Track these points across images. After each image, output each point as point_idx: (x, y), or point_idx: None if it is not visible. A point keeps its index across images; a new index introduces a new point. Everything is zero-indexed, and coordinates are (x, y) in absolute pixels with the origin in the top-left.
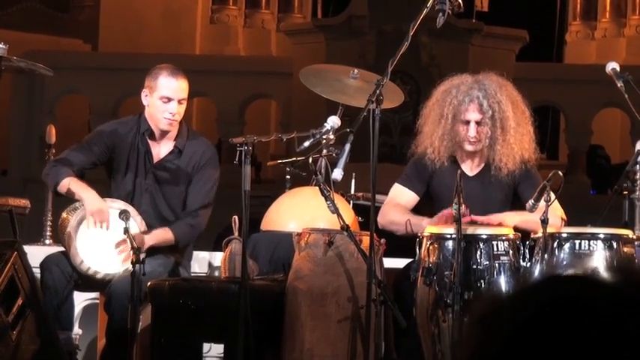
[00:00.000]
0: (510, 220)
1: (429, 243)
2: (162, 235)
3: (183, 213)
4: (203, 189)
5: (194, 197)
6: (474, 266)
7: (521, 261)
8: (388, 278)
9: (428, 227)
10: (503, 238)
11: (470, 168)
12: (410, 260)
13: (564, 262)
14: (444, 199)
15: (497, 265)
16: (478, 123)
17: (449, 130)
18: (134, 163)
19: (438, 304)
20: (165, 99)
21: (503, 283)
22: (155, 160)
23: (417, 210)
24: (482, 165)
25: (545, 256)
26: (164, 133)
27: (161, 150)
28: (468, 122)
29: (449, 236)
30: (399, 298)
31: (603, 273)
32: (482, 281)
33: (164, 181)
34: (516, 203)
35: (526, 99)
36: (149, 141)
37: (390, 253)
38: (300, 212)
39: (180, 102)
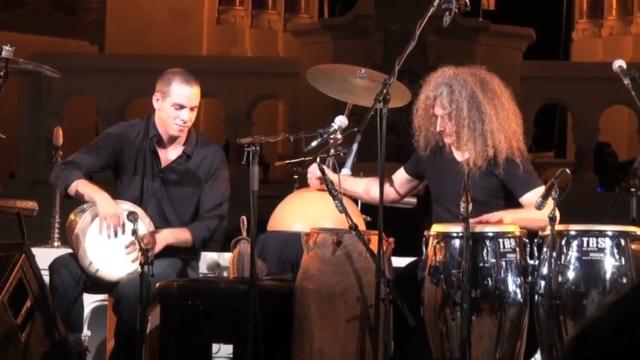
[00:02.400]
0: (507, 219)
1: (435, 242)
2: (181, 234)
3: (200, 217)
4: (218, 192)
5: (210, 202)
6: (481, 264)
7: (528, 259)
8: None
9: (434, 226)
10: (510, 235)
11: (459, 154)
12: (412, 260)
13: (572, 260)
14: (434, 184)
15: (503, 262)
16: (442, 117)
17: (427, 121)
18: (141, 166)
19: (445, 303)
20: (177, 106)
21: (509, 280)
22: (163, 164)
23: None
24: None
25: (554, 253)
26: (173, 139)
27: (169, 154)
28: (436, 116)
29: (455, 235)
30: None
31: None
32: (489, 279)
33: (171, 185)
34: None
35: (531, 97)
36: (157, 145)
37: (398, 252)
38: (305, 212)
39: (192, 109)
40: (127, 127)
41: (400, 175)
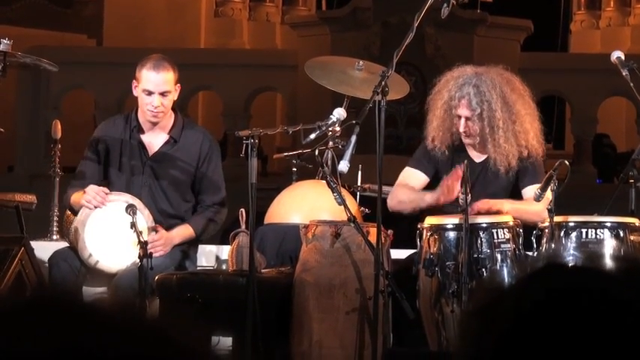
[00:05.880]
0: (506, 208)
1: (429, 234)
2: (186, 232)
3: (199, 207)
4: (214, 179)
5: (208, 190)
6: (475, 255)
7: (523, 250)
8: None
9: (428, 218)
10: (504, 225)
11: (476, 155)
12: (411, 252)
13: (571, 251)
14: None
15: (498, 253)
16: (468, 119)
17: (447, 121)
18: (129, 158)
19: (441, 293)
20: (147, 92)
21: (505, 271)
22: (150, 153)
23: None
24: (487, 154)
25: (552, 245)
26: (154, 125)
27: (156, 142)
28: (460, 117)
29: (449, 226)
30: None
31: (608, 263)
32: (484, 270)
33: (162, 172)
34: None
35: (532, 90)
36: (141, 135)
37: (397, 244)
38: (301, 205)
39: (163, 94)
40: (107, 124)
41: (421, 180)
